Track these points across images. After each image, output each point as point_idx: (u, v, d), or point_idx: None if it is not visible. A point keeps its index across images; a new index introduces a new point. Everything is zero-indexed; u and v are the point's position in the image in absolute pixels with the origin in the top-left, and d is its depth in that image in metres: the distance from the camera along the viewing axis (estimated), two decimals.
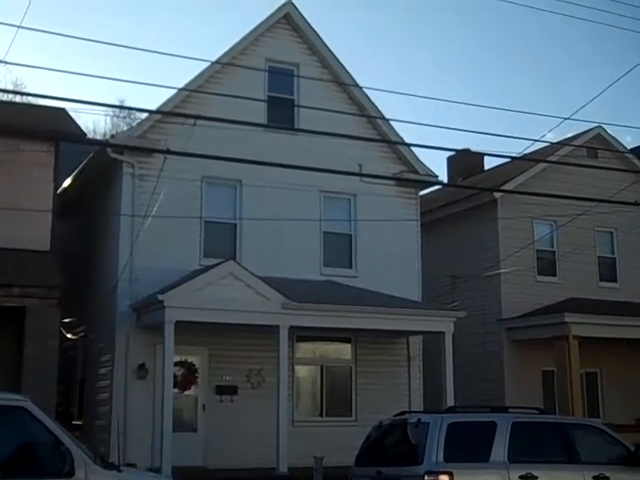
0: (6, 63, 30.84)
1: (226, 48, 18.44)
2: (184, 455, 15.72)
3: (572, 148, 22.03)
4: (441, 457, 9.90)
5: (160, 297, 15.32)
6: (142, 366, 16.70)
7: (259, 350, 17.27)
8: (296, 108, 18.92)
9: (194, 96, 17.67)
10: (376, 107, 19.58)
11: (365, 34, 62.29)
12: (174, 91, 17.33)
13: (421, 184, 20.29)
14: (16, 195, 15.68)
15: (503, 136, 13.13)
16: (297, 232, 18.31)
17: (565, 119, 15.71)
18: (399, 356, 19.32)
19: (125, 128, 32.80)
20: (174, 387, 16.07)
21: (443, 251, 23.24)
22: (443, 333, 17.65)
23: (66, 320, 18.13)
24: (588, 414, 20.74)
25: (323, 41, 19.51)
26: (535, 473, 10.19)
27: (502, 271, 21.48)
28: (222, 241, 18.09)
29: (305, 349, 18.70)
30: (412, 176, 19.79)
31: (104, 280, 17.95)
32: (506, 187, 21.50)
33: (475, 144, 52.30)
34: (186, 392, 17.38)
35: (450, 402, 16.73)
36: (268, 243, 18.10)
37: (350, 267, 19.26)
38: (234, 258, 17.13)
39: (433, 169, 20.26)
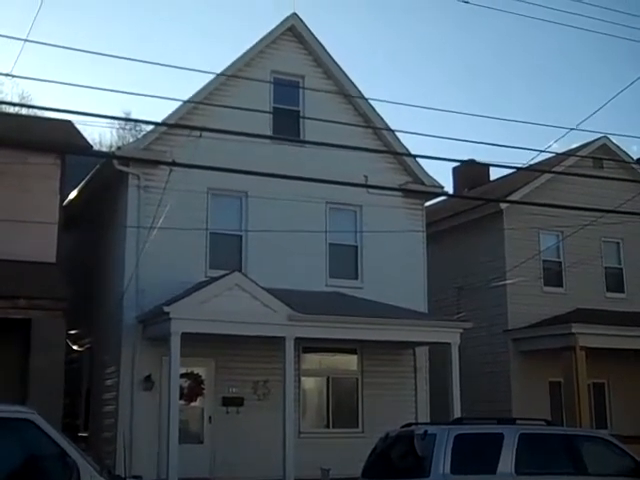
0: (13, 76, 30.97)
1: (232, 60, 18.53)
2: (190, 467, 15.68)
3: (578, 158, 22.01)
4: (448, 469, 9.87)
5: (166, 309, 15.32)
6: (148, 378, 16.68)
7: (265, 361, 17.26)
8: (301, 120, 18.95)
9: (200, 108, 17.72)
10: (381, 118, 19.61)
11: (370, 44, 62.46)
12: (180, 103, 17.36)
13: (427, 195, 20.30)
14: (22, 207, 15.73)
15: (509, 147, 13.13)
16: (303, 243, 18.29)
17: (570, 129, 15.73)
18: (405, 367, 19.27)
19: (131, 140, 32.93)
20: (180, 399, 16.03)
21: (449, 262, 23.21)
22: (449, 344, 17.58)
23: (72, 332, 18.14)
24: (595, 425, 20.64)
25: (328, 53, 19.57)
26: None
27: (508, 282, 21.44)
28: (228, 253, 18.08)
29: (311, 360, 18.66)
30: (418, 187, 19.81)
31: (110, 292, 17.96)
32: (512, 198, 21.52)
33: (480, 155, 52.05)
34: (192, 404, 17.36)
35: (457, 413, 16.66)
36: (274, 254, 18.08)
37: (356, 278, 19.24)
38: (240, 270, 17.12)
39: (439, 180, 20.30)
